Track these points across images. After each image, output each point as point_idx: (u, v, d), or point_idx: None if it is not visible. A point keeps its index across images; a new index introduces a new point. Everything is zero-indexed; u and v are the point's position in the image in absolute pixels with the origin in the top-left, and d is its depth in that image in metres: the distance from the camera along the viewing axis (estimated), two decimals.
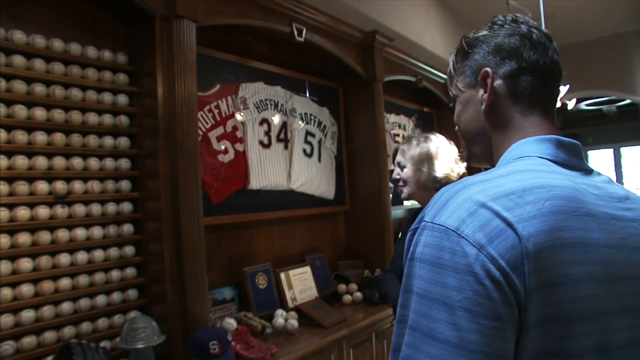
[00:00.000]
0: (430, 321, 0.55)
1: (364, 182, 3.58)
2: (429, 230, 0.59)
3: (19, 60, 1.83)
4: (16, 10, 1.89)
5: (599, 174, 0.73)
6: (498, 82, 0.74)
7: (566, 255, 0.55)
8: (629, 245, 0.63)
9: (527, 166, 0.65)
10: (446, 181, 1.83)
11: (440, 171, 1.83)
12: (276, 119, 3.06)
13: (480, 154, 0.83)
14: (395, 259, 2.05)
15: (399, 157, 1.93)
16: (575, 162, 0.70)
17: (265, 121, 2.98)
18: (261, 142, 2.93)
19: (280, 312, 2.60)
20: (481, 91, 0.76)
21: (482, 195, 0.58)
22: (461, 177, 1.89)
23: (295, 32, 2.81)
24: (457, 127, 0.86)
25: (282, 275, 2.85)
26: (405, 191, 1.91)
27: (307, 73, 3.37)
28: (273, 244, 3.05)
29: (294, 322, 2.52)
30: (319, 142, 3.42)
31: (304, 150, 3.28)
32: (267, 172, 2.97)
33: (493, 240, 0.54)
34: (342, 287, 3.20)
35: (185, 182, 2.07)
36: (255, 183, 2.86)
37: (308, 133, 3.32)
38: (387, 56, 3.70)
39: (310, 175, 3.29)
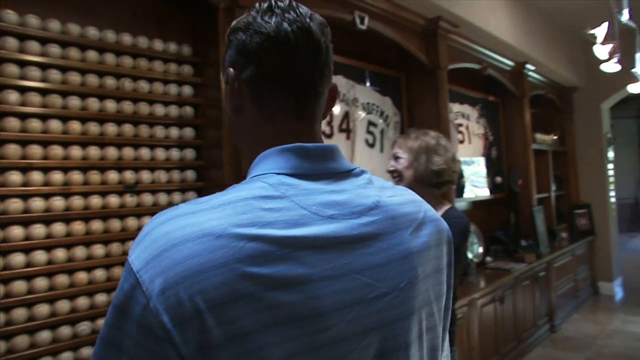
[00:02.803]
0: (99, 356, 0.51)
1: None
2: (126, 266, 0.51)
3: (92, 55, 1.83)
4: (90, 8, 1.89)
5: (358, 174, 0.64)
6: (241, 88, 0.65)
7: (262, 300, 0.48)
8: (356, 268, 0.55)
9: (248, 193, 0.55)
10: (444, 178, 1.72)
11: (438, 165, 1.70)
12: (338, 109, 2.94)
13: (243, 150, 0.71)
14: None
15: (395, 149, 1.81)
16: (324, 169, 0.61)
17: None
18: (323, 132, 2.83)
19: None
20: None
21: (170, 237, 0.50)
22: (458, 176, 1.79)
23: (357, 20, 2.68)
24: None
25: None
26: (400, 185, 1.81)
27: (369, 62, 3.22)
28: None
29: None
30: (381, 132, 3.27)
31: (366, 141, 3.14)
32: None
33: (165, 291, 0.47)
34: None
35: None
36: None
37: (370, 123, 3.18)
38: (451, 43, 3.48)
39: (372, 166, 3.15)
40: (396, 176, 1.77)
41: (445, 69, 3.34)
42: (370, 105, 3.19)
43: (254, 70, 0.63)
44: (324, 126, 2.83)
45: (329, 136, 2.86)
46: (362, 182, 0.64)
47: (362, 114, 3.11)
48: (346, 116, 3.00)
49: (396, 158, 1.78)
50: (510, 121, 4.84)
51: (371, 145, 3.18)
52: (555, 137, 5.78)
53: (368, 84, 3.19)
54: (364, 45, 3.23)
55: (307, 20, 0.63)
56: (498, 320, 3.48)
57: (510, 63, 4.38)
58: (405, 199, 0.67)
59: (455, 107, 4.08)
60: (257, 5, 0.65)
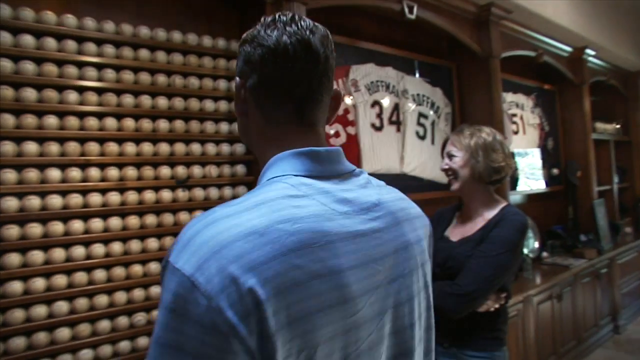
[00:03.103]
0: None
1: None
2: (171, 273, 0.53)
3: (144, 53, 1.87)
4: (142, 8, 1.94)
5: (358, 174, 0.71)
6: (246, 95, 0.71)
7: (306, 290, 0.54)
8: (373, 258, 0.63)
9: (275, 194, 0.60)
10: (502, 175, 1.64)
11: (498, 162, 1.62)
12: (388, 101, 2.88)
13: (253, 150, 0.77)
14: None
15: (449, 147, 1.71)
16: (333, 170, 0.68)
17: (376, 103, 2.82)
18: (373, 125, 2.78)
19: None
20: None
21: (219, 239, 0.53)
22: (510, 169, 1.67)
23: (406, 10, 2.60)
24: None
25: None
26: (455, 184, 1.69)
27: (419, 52, 3.13)
28: None
29: None
30: (432, 124, 3.18)
31: (417, 133, 3.06)
32: (379, 155, 2.81)
33: (226, 289, 0.50)
34: None
35: None
36: (367, 166, 2.71)
37: (420, 115, 3.10)
38: (504, 30, 3.32)
39: (423, 158, 3.07)
40: (450, 174, 1.70)
41: (498, 57, 3.20)
42: (421, 97, 3.11)
43: (256, 79, 0.68)
44: (373, 119, 2.78)
45: (379, 129, 2.81)
46: (362, 182, 0.71)
47: (412, 106, 3.04)
48: (396, 108, 2.94)
49: (450, 156, 1.69)
50: (567, 110, 4.59)
51: (422, 138, 3.09)
52: (618, 126, 5.43)
53: (418, 74, 3.11)
54: (413, 36, 3.14)
55: (307, 32, 0.67)
56: (556, 319, 3.32)
57: (568, 49, 4.15)
58: (397, 197, 0.75)
59: (509, 97, 3.91)
60: (263, 18, 0.71)
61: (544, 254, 3.96)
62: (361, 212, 0.65)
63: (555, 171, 4.41)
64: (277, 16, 0.70)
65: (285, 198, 0.59)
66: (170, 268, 0.54)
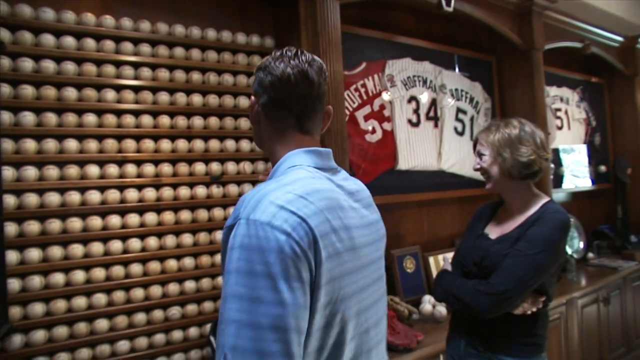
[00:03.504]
0: (256, 290, 0.71)
1: None
2: (246, 226, 0.75)
3: (179, 51, 1.90)
4: (177, 7, 1.96)
5: (340, 170, 0.98)
6: (259, 109, 0.95)
7: (335, 236, 0.81)
8: (364, 224, 0.92)
9: (304, 174, 0.86)
10: (534, 168, 1.52)
11: (526, 156, 1.51)
12: (425, 96, 2.81)
13: (265, 152, 1.01)
14: (462, 254, 1.65)
15: (478, 146, 1.64)
16: (328, 165, 0.93)
17: (413, 99, 2.76)
18: (410, 121, 2.72)
19: (428, 298, 2.39)
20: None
21: (282, 200, 0.77)
22: (546, 160, 1.54)
23: (443, 2, 2.52)
24: None
25: (431, 260, 2.63)
26: (488, 184, 1.62)
27: (457, 46, 3.04)
28: (422, 227, 2.83)
29: (442, 310, 2.28)
30: (471, 119, 3.08)
31: (455, 129, 2.98)
32: (416, 151, 2.75)
33: (295, 229, 0.74)
34: None
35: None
36: (404, 163, 2.66)
37: (459, 110, 3.01)
38: (548, 21, 3.17)
39: (462, 154, 2.98)
40: (484, 174, 1.62)
41: (540, 50, 3.06)
42: (459, 92, 3.02)
43: (267, 98, 0.92)
44: (410, 114, 2.71)
45: (416, 125, 2.75)
46: (344, 175, 0.98)
47: (451, 101, 2.95)
48: (433, 103, 2.86)
49: (480, 155, 1.62)
50: (617, 104, 4.35)
51: (460, 134, 3.01)
52: None
53: (456, 69, 3.02)
54: (451, 29, 3.05)
55: (306, 65, 0.90)
56: (602, 324, 3.16)
57: (619, 38, 3.92)
58: (361, 188, 1.01)
59: (553, 91, 3.74)
60: (273, 52, 0.95)
61: (590, 255, 3.77)
62: (349, 195, 0.93)
63: (602, 168, 4.19)
64: (284, 51, 0.93)
65: (309, 178, 0.85)
66: (243, 222, 0.75)
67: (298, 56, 0.91)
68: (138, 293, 1.72)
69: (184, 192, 1.85)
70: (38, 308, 1.56)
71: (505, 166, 1.54)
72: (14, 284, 1.53)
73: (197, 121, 1.91)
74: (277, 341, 0.70)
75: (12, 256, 1.53)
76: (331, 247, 0.79)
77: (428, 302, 2.35)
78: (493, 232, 1.62)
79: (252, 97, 0.96)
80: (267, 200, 0.76)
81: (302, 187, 0.81)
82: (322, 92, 0.93)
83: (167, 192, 1.81)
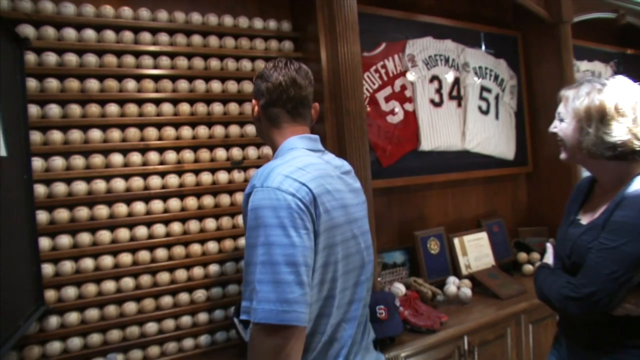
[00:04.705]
0: (272, 237, 0.95)
1: (550, 140, 3.02)
2: (261, 191, 1.00)
3: (197, 39, 1.91)
4: None
5: (326, 152, 1.25)
6: (259, 109, 1.25)
7: (329, 196, 1.07)
8: (351, 189, 1.21)
9: (300, 154, 1.13)
10: (624, 150, 1.20)
11: (618, 135, 1.19)
12: (447, 75, 2.75)
13: (267, 143, 1.29)
14: (558, 244, 1.41)
15: (560, 107, 1.37)
16: (317, 147, 1.21)
17: (435, 78, 2.70)
18: (432, 101, 2.67)
19: (452, 280, 2.36)
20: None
21: (286, 171, 1.03)
22: None
23: None
24: None
25: (456, 241, 2.59)
26: (563, 154, 1.37)
27: (480, 23, 2.94)
28: (446, 208, 2.79)
29: (467, 291, 2.26)
30: (496, 97, 3.00)
31: (479, 108, 2.90)
32: (439, 132, 2.70)
33: (298, 191, 1.00)
34: (522, 255, 2.79)
35: (352, 144, 1.95)
36: (426, 144, 2.62)
37: (483, 88, 2.93)
38: None
39: (487, 134, 2.91)
40: (559, 139, 1.37)
41: (569, 22, 2.92)
42: (483, 69, 2.93)
43: (264, 100, 1.21)
44: (432, 94, 2.66)
45: (439, 105, 2.69)
46: (332, 156, 1.27)
47: (476, 80, 2.88)
48: (456, 82, 2.79)
49: (560, 118, 1.35)
50: None
51: (485, 112, 2.93)
52: None
53: (480, 46, 2.93)
54: (473, 5, 2.96)
55: (294, 73, 1.20)
56: None
57: None
58: (345, 163, 1.30)
59: (584, 66, 3.59)
60: (267, 64, 1.25)
61: None
62: (336, 168, 1.20)
63: None
64: (276, 62, 1.22)
65: (305, 156, 1.12)
66: (258, 189, 1.00)
67: (288, 66, 1.20)
68: (164, 277, 1.77)
69: (205, 177, 1.88)
70: (71, 291, 1.62)
71: (585, 144, 1.25)
72: (47, 268, 1.59)
73: (217, 107, 1.92)
74: (291, 273, 0.94)
75: (44, 242, 1.60)
76: (328, 204, 1.05)
77: (452, 284, 2.32)
78: (586, 215, 1.36)
79: (253, 101, 1.26)
80: (275, 172, 1.02)
81: (300, 162, 1.07)
82: (308, 93, 1.23)
83: (189, 178, 1.84)
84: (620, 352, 1.23)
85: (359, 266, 1.18)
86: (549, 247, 1.48)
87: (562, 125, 1.34)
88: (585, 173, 1.50)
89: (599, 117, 1.23)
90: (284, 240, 0.95)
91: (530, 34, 3.10)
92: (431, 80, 2.68)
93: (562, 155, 1.39)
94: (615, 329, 1.23)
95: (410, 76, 2.57)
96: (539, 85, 3.09)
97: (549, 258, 1.45)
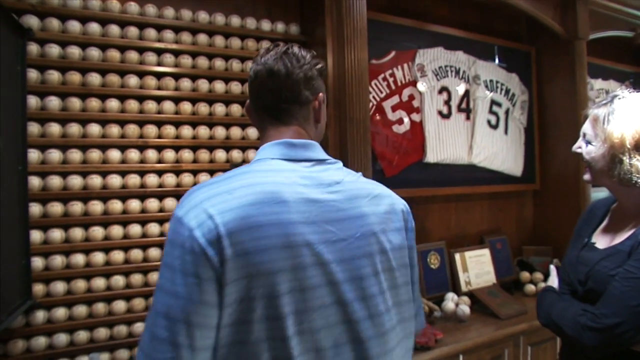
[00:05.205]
0: (161, 279, 0.75)
1: (559, 159, 2.98)
2: (171, 219, 0.78)
3: (202, 38, 1.89)
4: None
5: (331, 163, 0.91)
6: (250, 105, 0.97)
7: (257, 232, 0.74)
8: (325, 219, 0.81)
9: (252, 168, 0.84)
10: None
11: None
12: (457, 87, 2.70)
13: None
14: (566, 268, 1.34)
15: (586, 127, 1.26)
16: (304, 156, 0.88)
17: (445, 89, 2.65)
18: (440, 112, 2.63)
19: (451, 296, 2.31)
20: None
21: (203, 195, 0.77)
22: None
23: None
24: None
25: (457, 256, 2.54)
26: (588, 176, 1.29)
27: (493, 35, 2.90)
28: (449, 222, 2.74)
29: (465, 308, 2.20)
30: (506, 112, 2.95)
31: (488, 121, 2.85)
32: (446, 144, 2.65)
33: (200, 226, 0.73)
34: (525, 275, 2.73)
35: (354, 152, 1.92)
36: (432, 156, 2.58)
37: (493, 102, 2.88)
38: (595, 7, 2.97)
39: (495, 149, 2.86)
40: (585, 160, 1.28)
41: (584, 39, 2.87)
42: (494, 83, 2.89)
43: (250, 96, 0.96)
44: (441, 106, 2.62)
45: (446, 116, 2.65)
46: (332, 168, 0.90)
47: (488, 93, 2.83)
48: (466, 95, 2.75)
49: (586, 140, 1.27)
50: None
51: (494, 127, 2.88)
52: None
53: (492, 60, 2.89)
54: (486, 18, 2.92)
55: (272, 60, 0.90)
56: None
57: None
58: (364, 181, 0.93)
59: (598, 84, 3.52)
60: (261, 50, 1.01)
61: None
62: (319, 186, 0.84)
63: None
64: (263, 50, 0.95)
65: (258, 172, 0.82)
66: (173, 216, 0.78)
67: (270, 52, 0.92)
68: (155, 277, 1.74)
69: (204, 178, 1.85)
70: (60, 286, 1.60)
71: (617, 171, 1.18)
72: (37, 262, 1.58)
73: (219, 108, 1.90)
74: (166, 329, 0.73)
75: (36, 235, 1.58)
76: (250, 244, 0.74)
77: (451, 300, 2.27)
78: (602, 239, 1.30)
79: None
80: (192, 196, 0.79)
81: (234, 181, 0.79)
82: (296, 81, 0.90)
83: (187, 179, 1.82)
84: None
85: (349, 342, 0.81)
86: (553, 269, 1.41)
87: (590, 148, 1.24)
88: (597, 194, 1.44)
89: (634, 146, 1.15)
90: (169, 286, 0.74)
91: (544, 49, 3.05)
92: (440, 92, 2.64)
93: (587, 177, 1.29)
94: None
95: (420, 86, 2.53)
96: (550, 102, 3.03)
97: (553, 281, 1.38)
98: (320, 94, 0.95)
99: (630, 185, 1.17)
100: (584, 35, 2.85)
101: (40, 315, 1.57)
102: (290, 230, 0.77)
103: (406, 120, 2.49)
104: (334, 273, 0.80)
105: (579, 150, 1.28)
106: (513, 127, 2.97)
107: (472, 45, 2.78)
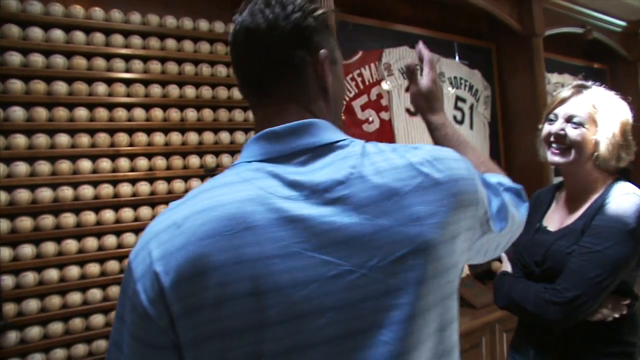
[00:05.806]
0: (113, 328, 0.60)
1: (522, 151, 3.08)
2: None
3: (171, 43, 1.87)
4: None
5: (343, 147, 0.63)
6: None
7: (211, 278, 0.52)
8: (312, 247, 0.55)
9: (221, 179, 0.60)
10: (626, 165, 1.28)
11: (630, 156, 1.27)
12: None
13: None
14: (520, 252, 1.40)
15: (571, 107, 1.27)
16: (297, 147, 0.62)
17: None
18: (408, 110, 2.68)
19: None
20: None
21: (155, 228, 0.58)
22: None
23: None
24: None
25: None
26: (573, 156, 1.27)
27: (455, 33, 2.98)
28: None
29: None
30: (471, 107, 3.03)
31: (454, 117, 2.93)
32: (415, 141, 2.70)
33: (142, 277, 0.54)
34: (496, 264, 2.81)
35: None
36: None
37: (458, 98, 2.96)
38: (548, 6, 3.09)
39: None
40: (564, 144, 1.28)
41: (541, 36, 2.99)
42: (458, 80, 2.96)
43: (233, 71, 0.72)
44: (408, 103, 2.67)
45: (414, 114, 2.70)
46: (344, 154, 0.62)
47: (451, 90, 2.90)
48: None
49: (575, 123, 1.26)
50: (620, 90, 4.20)
51: (460, 122, 2.96)
52: None
53: (455, 57, 2.97)
54: (448, 16, 2.99)
55: (249, 17, 0.65)
56: None
57: (622, 23, 3.84)
58: (398, 164, 0.62)
59: (554, 78, 3.68)
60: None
61: None
62: (314, 193, 0.58)
63: None
64: (241, 6, 0.70)
65: (219, 188, 0.58)
66: None
67: (243, 11, 0.68)
68: None
69: (178, 185, 1.82)
70: (33, 304, 1.54)
71: (602, 156, 1.23)
72: (7, 280, 1.51)
73: (191, 113, 1.87)
74: None
75: (5, 253, 1.51)
76: (200, 295, 0.52)
77: None
78: (552, 222, 1.37)
79: None
80: (149, 228, 0.59)
81: (187, 207, 0.57)
82: (279, 37, 0.64)
83: (161, 186, 1.78)
84: (596, 359, 1.23)
85: None
86: (504, 256, 1.46)
87: (582, 131, 1.25)
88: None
89: (622, 132, 1.24)
90: (117, 338, 0.58)
91: (503, 45, 3.16)
92: (407, 89, 2.68)
93: (571, 158, 1.27)
94: (591, 336, 1.23)
95: (384, 85, 2.57)
96: (512, 96, 3.14)
97: (507, 266, 1.43)
98: (322, 51, 0.67)
99: (603, 169, 1.27)
100: (540, 32, 2.97)
101: (12, 337, 1.50)
102: (258, 269, 0.53)
103: (375, 119, 2.53)
104: (329, 326, 0.54)
105: (562, 132, 1.28)
106: (478, 122, 3.06)
107: (436, 43, 2.84)
